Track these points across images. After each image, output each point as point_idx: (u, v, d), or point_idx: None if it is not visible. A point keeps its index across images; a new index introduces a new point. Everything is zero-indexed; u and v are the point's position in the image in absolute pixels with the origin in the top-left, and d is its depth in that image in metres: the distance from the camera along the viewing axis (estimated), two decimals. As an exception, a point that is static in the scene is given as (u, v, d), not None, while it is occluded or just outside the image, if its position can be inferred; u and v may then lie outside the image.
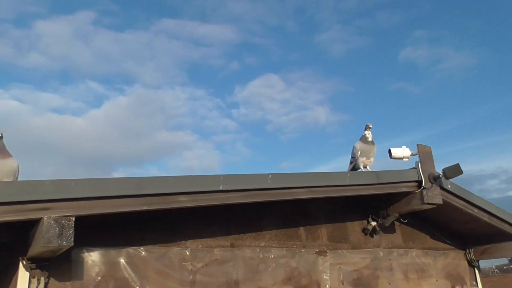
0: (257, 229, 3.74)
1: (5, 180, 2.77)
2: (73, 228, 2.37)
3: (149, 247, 3.17)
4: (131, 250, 3.09)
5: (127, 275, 3.03)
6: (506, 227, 4.78)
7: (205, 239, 3.44)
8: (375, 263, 4.30)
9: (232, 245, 3.54)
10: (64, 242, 2.32)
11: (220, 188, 2.92)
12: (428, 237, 4.98)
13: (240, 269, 3.47)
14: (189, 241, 3.36)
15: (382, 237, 4.52)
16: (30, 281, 2.65)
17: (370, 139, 4.18)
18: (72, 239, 2.35)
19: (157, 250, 3.20)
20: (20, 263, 2.70)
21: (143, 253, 3.13)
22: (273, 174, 3.18)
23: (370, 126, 4.19)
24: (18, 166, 2.86)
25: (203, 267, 3.32)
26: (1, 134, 2.85)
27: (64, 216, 2.36)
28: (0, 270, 3.44)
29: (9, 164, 2.81)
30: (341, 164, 4.48)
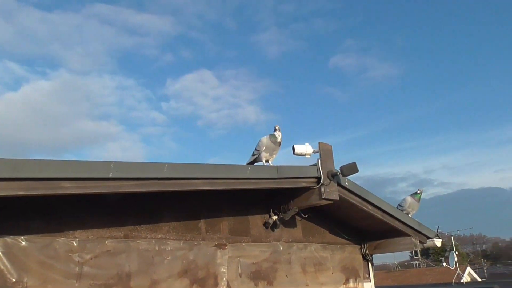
0: (155, 221, 3.65)
1: None
2: None
3: (32, 236, 2.96)
4: (9, 239, 2.86)
5: (2, 267, 2.80)
6: (396, 224, 5.13)
7: (96, 229, 3.28)
8: (275, 256, 4.40)
9: (126, 237, 3.42)
10: None
11: (110, 176, 2.78)
12: (327, 232, 5.20)
13: (133, 261, 3.36)
14: (78, 231, 3.19)
15: (283, 231, 4.64)
16: None
17: (279, 139, 4.25)
18: None
19: (41, 240, 2.99)
20: None
21: (23, 243, 2.91)
22: (169, 164, 3.10)
23: (277, 127, 4.29)
24: None
25: (91, 259, 3.17)
26: None
27: None
28: None
29: None
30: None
